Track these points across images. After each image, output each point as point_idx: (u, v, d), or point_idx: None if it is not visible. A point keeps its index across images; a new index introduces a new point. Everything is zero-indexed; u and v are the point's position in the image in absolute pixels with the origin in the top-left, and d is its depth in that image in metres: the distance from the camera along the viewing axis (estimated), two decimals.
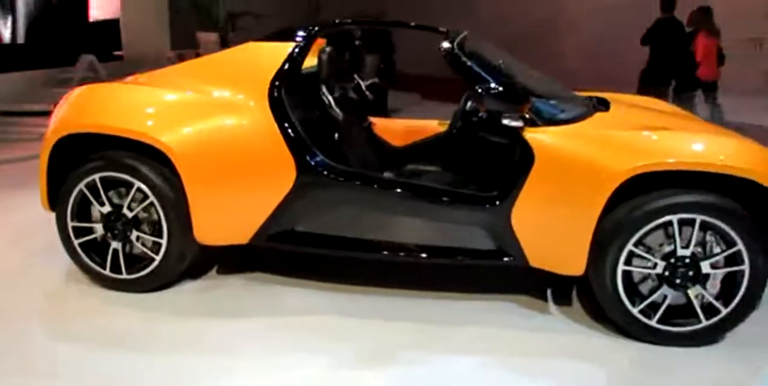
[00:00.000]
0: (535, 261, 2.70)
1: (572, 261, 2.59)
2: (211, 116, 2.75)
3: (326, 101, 2.92)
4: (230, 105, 2.78)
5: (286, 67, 2.77)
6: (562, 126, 2.62)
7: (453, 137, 3.07)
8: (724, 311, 2.52)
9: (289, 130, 2.70)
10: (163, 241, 2.81)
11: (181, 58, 8.19)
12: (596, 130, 2.62)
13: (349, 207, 2.77)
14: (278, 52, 2.80)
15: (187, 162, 2.69)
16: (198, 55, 8.46)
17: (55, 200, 2.92)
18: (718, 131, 2.94)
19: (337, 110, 2.89)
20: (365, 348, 2.55)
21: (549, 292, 3.08)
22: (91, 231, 2.93)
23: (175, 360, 2.44)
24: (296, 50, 2.80)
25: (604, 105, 3.01)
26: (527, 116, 2.53)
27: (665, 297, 2.56)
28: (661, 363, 2.52)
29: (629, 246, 2.50)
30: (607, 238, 2.51)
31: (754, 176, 2.38)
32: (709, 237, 2.51)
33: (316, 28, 2.88)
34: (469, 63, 2.66)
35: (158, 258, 2.84)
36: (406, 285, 3.07)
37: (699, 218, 2.44)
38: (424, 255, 2.77)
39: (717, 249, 2.51)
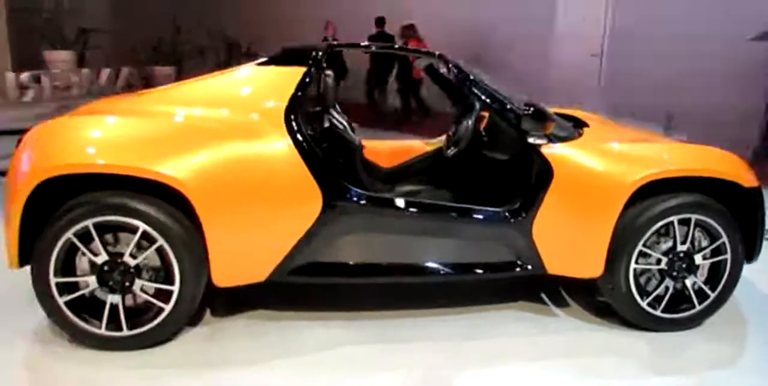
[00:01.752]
0: (553, 269, 2.87)
1: (591, 265, 2.80)
2: (222, 144, 2.52)
3: (340, 125, 2.82)
4: (244, 131, 2.57)
5: (300, 91, 2.64)
6: (569, 142, 2.82)
7: (448, 156, 3.14)
8: (713, 295, 2.90)
9: (312, 156, 2.57)
10: (175, 288, 2.52)
11: (38, 81, 7.24)
12: (598, 144, 2.86)
13: (377, 232, 2.71)
14: (291, 76, 2.65)
15: (204, 197, 2.44)
16: (51, 76, 7.54)
17: (27, 255, 2.48)
18: (682, 142, 3.34)
19: (352, 134, 2.81)
20: (402, 374, 2.52)
21: (544, 296, 3.29)
22: (77, 286, 2.53)
23: None
24: (308, 74, 2.67)
25: (574, 121, 3.28)
26: (549, 134, 2.69)
27: (667, 288, 2.88)
28: (669, 347, 2.82)
29: (639, 247, 2.78)
30: (621, 241, 2.75)
31: (737, 179, 2.80)
32: (697, 233, 2.87)
33: (321, 52, 2.76)
34: (486, 87, 2.76)
35: (168, 307, 2.54)
36: (400, 307, 3.07)
37: (693, 217, 2.78)
38: (450, 273, 2.80)
39: (705, 243, 2.88)
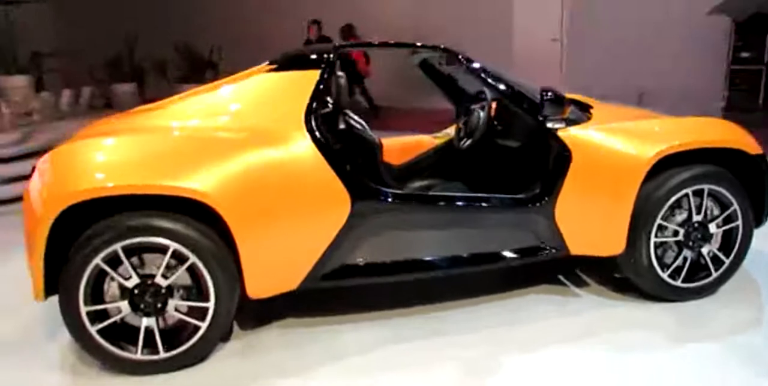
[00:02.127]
0: (576, 250, 2.92)
1: (614, 242, 2.86)
2: (246, 154, 2.48)
3: (358, 125, 2.80)
4: (266, 139, 2.53)
5: (317, 94, 2.61)
6: (582, 124, 2.87)
7: (462, 148, 3.14)
8: (727, 261, 3.00)
9: (336, 159, 2.55)
10: (210, 304, 2.47)
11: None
12: (609, 124, 2.92)
13: (405, 229, 2.71)
14: (306, 80, 2.62)
15: (234, 209, 2.39)
16: (10, 103, 7.25)
17: (52, 286, 2.38)
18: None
19: (371, 133, 2.79)
20: (456, 366, 2.53)
21: (562, 278, 3.34)
22: (107, 313, 2.45)
23: None
24: (323, 77, 2.65)
25: (578, 104, 3.34)
26: (566, 118, 2.74)
27: (686, 258, 2.96)
28: (690, 316, 2.91)
29: (658, 220, 2.85)
30: (641, 216, 2.82)
31: (744, 147, 2.90)
32: (708, 203, 2.97)
33: (332, 54, 2.74)
34: (500, 76, 2.78)
35: (204, 324, 2.48)
36: (422, 302, 3.06)
37: (706, 187, 2.87)
38: (480, 263, 2.82)
39: (716, 212, 2.98)
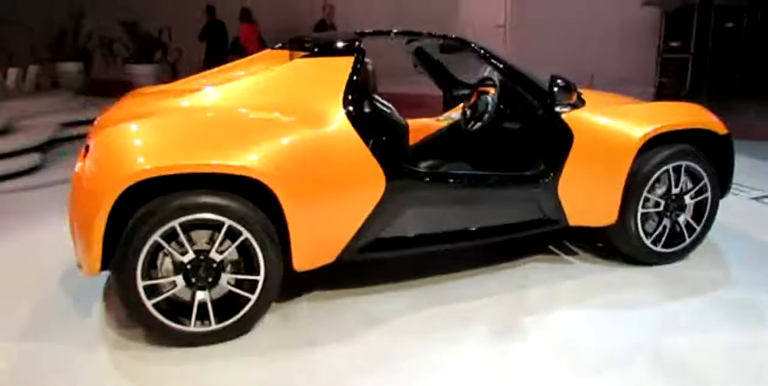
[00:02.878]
0: (574, 221, 3.27)
1: (608, 214, 3.24)
2: (291, 134, 2.63)
3: (386, 108, 2.99)
4: (309, 120, 2.68)
5: (353, 79, 2.78)
6: (580, 109, 3.20)
7: (471, 131, 3.42)
8: (698, 228, 3.45)
9: (372, 139, 2.74)
10: (260, 278, 2.62)
11: None
12: (602, 108, 3.27)
13: (434, 204, 2.95)
14: (343, 65, 2.78)
15: (283, 185, 2.55)
16: None
17: (106, 262, 2.46)
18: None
19: (398, 115, 3.00)
20: (477, 327, 2.80)
21: (552, 248, 3.70)
22: (160, 288, 2.55)
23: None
24: (357, 62, 2.82)
25: None
26: (572, 103, 3.05)
27: (665, 227, 3.38)
28: (671, 277, 3.33)
29: (645, 193, 3.24)
30: (631, 190, 3.20)
31: (715, 128, 3.35)
32: (683, 177, 3.39)
33: (359, 41, 2.91)
34: (512, 64, 3.06)
35: (254, 296, 2.64)
36: (429, 273, 3.31)
37: (684, 163, 3.29)
38: (495, 235, 3.12)
39: (690, 185, 3.41)
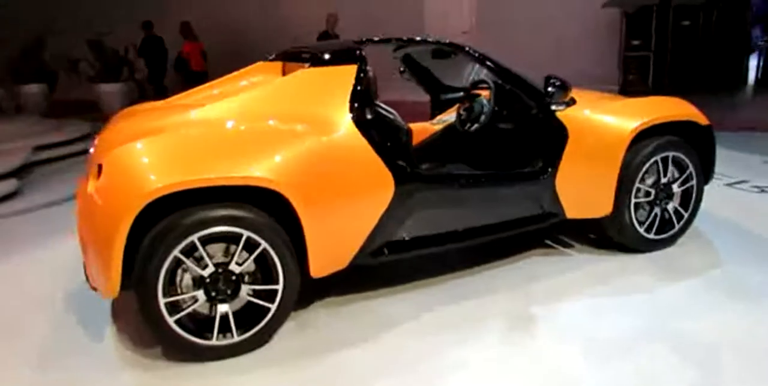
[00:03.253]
0: (571, 214, 3.39)
1: (603, 205, 3.37)
2: (301, 143, 2.66)
3: (389, 114, 3.05)
4: (317, 128, 2.72)
5: (357, 87, 2.83)
6: (573, 107, 3.33)
7: (470, 132, 3.52)
8: (686, 214, 3.61)
9: (379, 144, 2.80)
10: (279, 287, 2.64)
11: None
12: (593, 105, 3.40)
13: (440, 205, 3.02)
14: (347, 74, 2.84)
15: (298, 194, 2.58)
16: None
17: (125, 281, 2.45)
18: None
19: (401, 120, 3.06)
20: (494, 322, 2.88)
21: (550, 242, 3.82)
22: (180, 303, 2.54)
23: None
24: (360, 70, 2.88)
25: None
26: (566, 101, 3.18)
27: (656, 215, 3.53)
28: (665, 263, 3.48)
29: (636, 184, 3.38)
30: (624, 181, 3.34)
31: (698, 120, 3.52)
32: (670, 167, 3.54)
33: (362, 49, 2.97)
34: (507, 67, 3.18)
35: (274, 306, 2.65)
36: (435, 274, 3.37)
37: (671, 154, 3.44)
38: (500, 232, 3.21)
39: (677, 174, 3.56)
